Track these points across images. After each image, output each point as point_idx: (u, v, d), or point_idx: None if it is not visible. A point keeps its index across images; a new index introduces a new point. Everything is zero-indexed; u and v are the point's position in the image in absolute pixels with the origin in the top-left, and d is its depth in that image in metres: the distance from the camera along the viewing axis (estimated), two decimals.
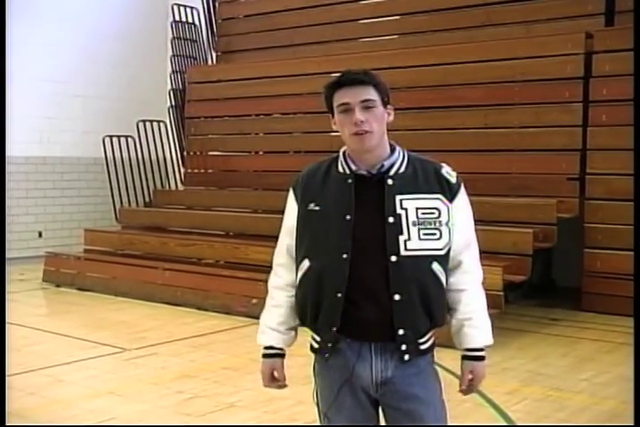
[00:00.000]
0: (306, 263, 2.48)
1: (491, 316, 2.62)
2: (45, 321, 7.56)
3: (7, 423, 4.46)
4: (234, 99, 10.89)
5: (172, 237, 9.56)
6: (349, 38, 10.43)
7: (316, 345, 2.52)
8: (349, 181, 2.45)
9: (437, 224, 2.42)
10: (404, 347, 2.42)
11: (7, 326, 7.03)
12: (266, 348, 2.61)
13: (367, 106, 2.40)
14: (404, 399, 2.45)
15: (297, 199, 2.53)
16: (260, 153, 10.94)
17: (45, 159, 11.45)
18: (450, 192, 2.47)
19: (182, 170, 11.56)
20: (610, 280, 7.47)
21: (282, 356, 2.61)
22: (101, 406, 4.86)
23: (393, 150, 2.50)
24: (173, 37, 11.86)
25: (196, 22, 12.02)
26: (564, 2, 8.73)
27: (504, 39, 8.67)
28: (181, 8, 11.86)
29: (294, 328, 2.63)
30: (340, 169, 2.49)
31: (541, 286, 8.68)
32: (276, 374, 2.60)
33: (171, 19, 11.90)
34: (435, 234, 2.42)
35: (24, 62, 10.94)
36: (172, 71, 11.80)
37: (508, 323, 7.13)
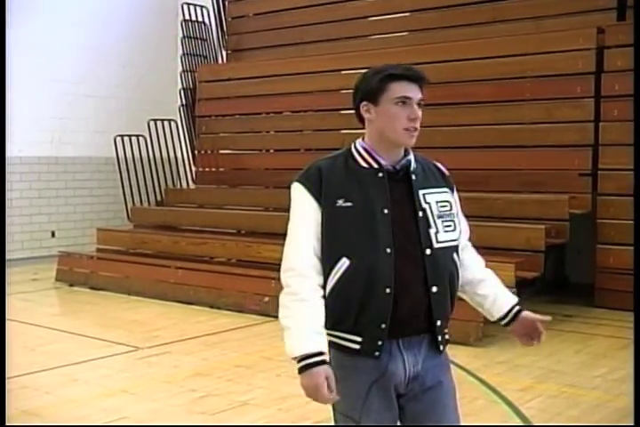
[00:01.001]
0: (344, 262, 2.39)
1: None
2: (59, 320, 7.58)
3: (23, 423, 4.50)
4: (244, 97, 10.90)
5: (184, 235, 9.58)
6: (359, 36, 10.42)
7: (356, 346, 2.41)
8: (380, 175, 2.45)
9: (452, 216, 2.52)
10: (439, 338, 2.46)
11: (22, 325, 7.10)
12: (312, 355, 2.33)
13: (419, 104, 2.44)
14: (429, 388, 2.46)
15: (316, 197, 2.44)
16: (271, 151, 10.95)
17: (57, 159, 11.49)
18: (449, 185, 2.58)
19: (193, 168, 11.57)
20: (623, 276, 7.42)
21: (328, 362, 2.39)
22: (115, 405, 4.87)
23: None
24: (183, 36, 11.88)
25: (206, 21, 12.03)
26: None
27: (514, 35, 8.63)
28: (191, 7, 11.88)
29: None
30: (364, 164, 2.47)
31: (554, 283, 8.65)
32: (331, 384, 2.33)
33: (181, 18, 11.92)
34: (451, 226, 2.50)
35: (35, 63, 10.98)
36: (183, 70, 11.83)
37: None
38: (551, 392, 5.11)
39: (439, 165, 2.62)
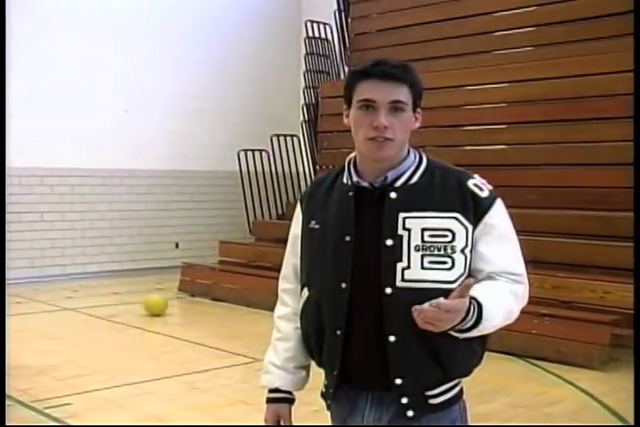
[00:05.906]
0: (305, 292, 2.12)
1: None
2: (181, 329, 7.78)
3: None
4: None
5: None
6: (482, 51, 10.28)
7: (322, 388, 2.18)
8: (350, 194, 2.04)
9: (449, 250, 1.95)
10: (404, 400, 1.98)
11: (146, 333, 7.32)
12: (271, 391, 2.23)
13: (396, 108, 1.97)
14: None
15: (303, 213, 2.19)
16: None
17: (183, 173, 11.83)
18: (475, 210, 1.98)
19: None
20: None
21: (289, 401, 2.23)
22: (232, 415, 4.95)
23: (406, 158, 2.06)
24: (306, 53, 12.05)
25: (329, 38, 12.17)
26: None
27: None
28: (315, 24, 12.04)
29: (305, 367, 2.22)
30: (345, 180, 2.09)
31: None
32: (282, 423, 2.23)
33: (304, 35, 12.10)
34: (445, 262, 1.95)
35: (164, 79, 11.38)
36: (305, 86, 11.98)
37: None
38: None
39: (470, 183, 2.01)
